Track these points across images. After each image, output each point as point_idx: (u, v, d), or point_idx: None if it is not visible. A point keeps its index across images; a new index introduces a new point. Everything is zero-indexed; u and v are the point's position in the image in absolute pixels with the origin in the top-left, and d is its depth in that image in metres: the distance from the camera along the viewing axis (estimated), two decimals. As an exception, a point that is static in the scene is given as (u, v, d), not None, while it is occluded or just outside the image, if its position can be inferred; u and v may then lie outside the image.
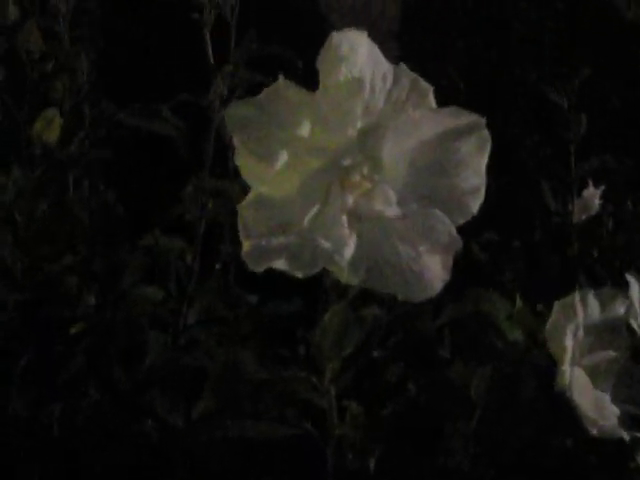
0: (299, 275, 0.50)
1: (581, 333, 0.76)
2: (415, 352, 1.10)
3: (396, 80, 0.55)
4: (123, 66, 1.97)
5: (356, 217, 0.53)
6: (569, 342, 0.74)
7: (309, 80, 0.54)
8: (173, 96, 1.01)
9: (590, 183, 1.60)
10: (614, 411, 0.76)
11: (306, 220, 0.51)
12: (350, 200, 0.53)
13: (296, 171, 0.52)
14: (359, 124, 0.54)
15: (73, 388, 0.93)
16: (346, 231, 0.52)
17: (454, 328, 1.02)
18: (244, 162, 0.51)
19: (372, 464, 0.75)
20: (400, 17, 2.93)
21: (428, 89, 0.55)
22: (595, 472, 0.82)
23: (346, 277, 0.51)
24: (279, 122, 0.52)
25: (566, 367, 0.74)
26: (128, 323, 0.95)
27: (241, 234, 0.51)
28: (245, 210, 0.52)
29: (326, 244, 0.51)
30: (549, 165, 1.63)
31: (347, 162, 0.53)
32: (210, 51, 0.97)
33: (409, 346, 1.11)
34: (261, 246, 0.51)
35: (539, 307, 1.22)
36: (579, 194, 1.58)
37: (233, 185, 0.85)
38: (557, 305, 0.79)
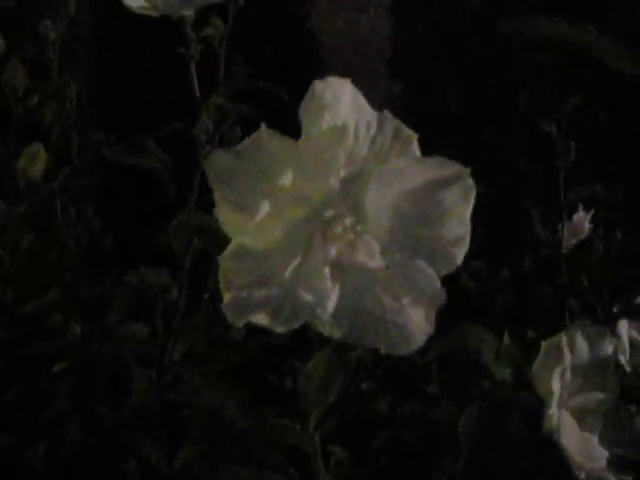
0: (280, 330, 0.49)
1: (568, 375, 0.76)
2: (402, 386, 1.09)
3: (380, 127, 0.54)
4: (113, 94, 1.97)
5: (339, 269, 0.52)
6: (556, 385, 0.73)
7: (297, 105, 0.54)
8: (162, 125, 1.00)
9: (580, 207, 1.60)
10: (602, 454, 0.75)
11: (287, 272, 0.51)
12: (333, 251, 0.52)
13: (278, 222, 0.52)
14: (342, 173, 0.53)
15: (57, 426, 0.91)
16: (328, 283, 0.51)
17: (441, 364, 1.02)
18: (224, 214, 0.51)
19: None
20: (391, 38, 2.93)
21: (412, 137, 0.55)
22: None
23: (328, 330, 0.51)
24: (260, 172, 0.52)
25: (553, 410, 0.73)
26: (114, 359, 0.93)
27: (222, 286, 0.51)
28: (226, 261, 0.51)
29: (308, 297, 0.50)
30: (538, 193, 1.63)
31: (329, 213, 0.52)
32: (196, 85, 0.96)
33: (396, 379, 1.10)
34: (241, 298, 0.50)
35: (530, 334, 1.21)
36: (569, 221, 1.58)
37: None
38: (544, 345, 0.78)
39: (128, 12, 0.90)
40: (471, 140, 2.23)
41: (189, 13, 0.87)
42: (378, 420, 1.02)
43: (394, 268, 0.52)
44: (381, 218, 0.53)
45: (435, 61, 2.73)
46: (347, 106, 0.53)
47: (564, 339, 0.77)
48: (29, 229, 1.08)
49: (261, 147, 0.52)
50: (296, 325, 0.50)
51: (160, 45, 1.17)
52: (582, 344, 0.79)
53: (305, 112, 0.52)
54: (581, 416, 0.76)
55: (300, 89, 0.54)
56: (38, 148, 0.90)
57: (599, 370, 0.79)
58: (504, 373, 0.86)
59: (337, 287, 0.52)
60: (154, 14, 0.84)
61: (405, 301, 0.51)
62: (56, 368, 0.90)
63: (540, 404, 0.78)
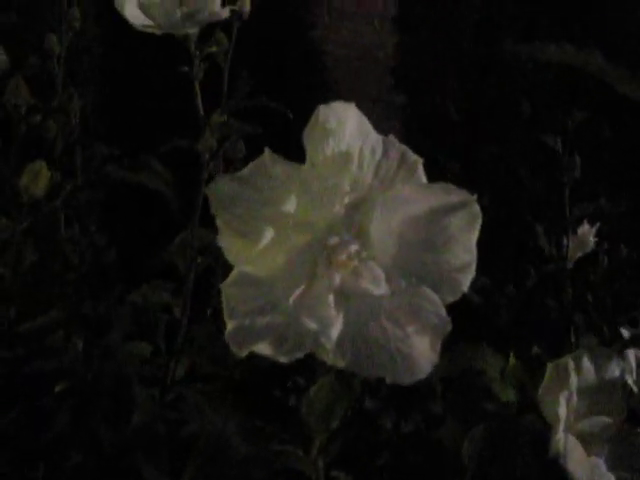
0: (283, 360, 0.48)
1: (575, 398, 0.75)
2: (406, 405, 1.09)
3: (385, 153, 0.54)
4: (118, 109, 1.97)
5: (343, 296, 0.51)
6: (563, 410, 0.73)
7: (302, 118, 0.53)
8: (167, 141, 1.00)
9: (585, 221, 1.59)
10: (610, 479, 0.74)
11: (291, 299, 0.50)
12: (337, 278, 0.51)
13: (281, 249, 0.51)
14: (347, 199, 0.52)
15: (57, 446, 0.90)
16: (332, 311, 0.50)
17: (446, 383, 1.01)
18: (227, 241, 0.50)
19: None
20: (396, 49, 2.93)
21: (417, 162, 0.54)
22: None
23: (332, 359, 0.50)
24: (264, 198, 0.51)
25: (560, 435, 0.72)
26: (115, 379, 0.93)
27: (225, 314, 0.50)
28: (229, 289, 0.50)
29: (312, 324, 0.49)
30: (543, 208, 1.62)
31: (334, 240, 0.51)
32: (200, 103, 0.96)
33: (400, 398, 1.09)
34: (245, 326, 0.50)
35: (535, 350, 1.20)
36: (574, 235, 1.57)
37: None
38: (550, 367, 0.77)
39: (134, 28, 0.90)
40: (474, 151, 2.23)
41: (193, 31, 0.86)
42: (382, 439, 1.01)
43: (399, 295, 0.51)
44: (386, 245, 0.53)
45: (438, 72, 2.73)
46: (352, 131, 0.53)
47: (571, 362, 0.76)
48: (32, 246, 1.07)
49: (264, 173, 0.51)
50: (300, 354, 0.49)
51: (166, 60, 1.17)
52: (589, 367, 0.78)
53: (309, 138, 0.52)
54: (588, 440, 0.75)
55: (304, 99, 0.54)
56: (41, 166, 0.89)
57: (606, 393, 0.78)
58: (509, 394, 0.85)
59: (341, 315, 0.51)
60: (157, 32, 0.84)
61: (410, 329, 0.51)
62: (57, 388, 0.90)
63: (546, 427, 0.77)
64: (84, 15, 1.25)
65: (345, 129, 0.52)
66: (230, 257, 0.51)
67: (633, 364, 0.92)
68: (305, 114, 0.53)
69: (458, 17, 2.67)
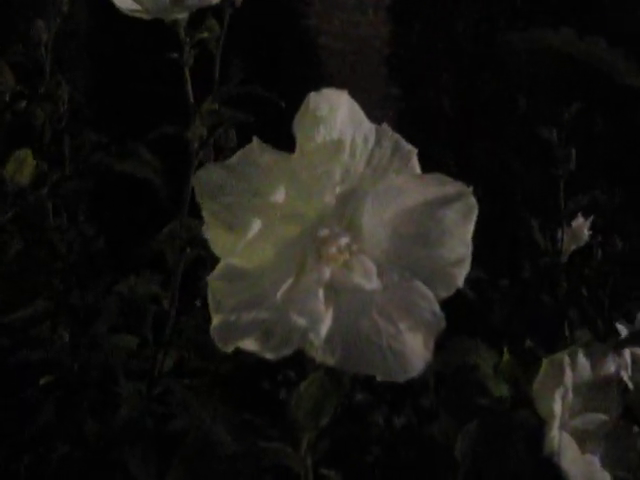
0: (270, 357, 0.47)
1: (570, 395, 0.73)
2: (397, 398, 1.07)
3: (378, 141, 0.52)
4: (108, 96, 1.94)
5: (333, 290, 0.49)
6: (558, 407, 0.71)
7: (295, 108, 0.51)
8: (157, 128, 0.98)
9: (579, 213, 1.58)
10: (605, 478, 0.72)
11: (279, 294, 0.48)
12: (327, 272, 0.49)
13: (269, 241, 0.49)
14: (337, 190, 0.50)
15: (43, 439, 0.89)
16: (322, 306, 0.49)
17: (438, 377, 1.00)
18: (213, 232, 0.48)
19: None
20: (389, 39, 2.91)
21: (411, 152, 0.52)
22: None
23: (321, 356, 0.48)
24: (252, 188, 0.49)
25: (554, 433, 0.71)
26: (102, 372, 0.91)
27: (210, 308, 0.48)
28: (214, 282, 0.48)
29: (300, 320, 0.48)
30: (537, 201, 1.60)
31: (324, 232, 0.49)
32: (190, 90, 0.94)
33: (392, 391, 1.08)
34: (231, 321, 0.48)
35: (528, 344, 1.19)
36: (568, 227, 1.56)
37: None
38: (545, 363, 0.76)
39: (122, 13, 0.88)
40: (468, 145, 2.21)
41: (182, 16, 0.84)
42: (373, 435, 1.00)
43: (391, 290, 0.49)
44: (378, 237, 0.51)
45: (433, 63, 2.71)
46: (343, 119, 0.51)
47: (566, 358, 0.74)
48: (18, 235, 1.05)
49: (252, 162, 0.49)
50: (287, 351, 0.47)
51: (156, 46, 1.15)
52: (584, 363, 0.76)
53: (299, 126, 0.50)
54: (583, 437, 0.74)
55: (297, 90, 0.52)
56: (26, 153, 0.87)
57: (601, 389, 0.77)
58: (503, 390, 0.83)
59: (331, 310, 0.49)
60: (145, 17, 0.82)
61: (402, 326, 0.49)
62: (43, 380, 0.88)
63: (540, 424, 0.75)
64: (72, 0, 1.23)
65: (337, 116, 0.50)
66: (216, 249, 0.49)
67: (629, 360, 0.91)
68: (298, 104, 0.51)
69: (454, 8, 2.65)
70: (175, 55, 0.90)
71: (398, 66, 2.80)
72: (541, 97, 2.10)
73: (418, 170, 0.52)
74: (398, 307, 0.49)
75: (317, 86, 0.51)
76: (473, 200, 0.51)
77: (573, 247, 1.57)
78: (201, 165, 0.94)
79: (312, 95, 0.50)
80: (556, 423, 0.71)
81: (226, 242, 0.49)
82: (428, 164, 0.54)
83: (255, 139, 0.49)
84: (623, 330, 1.03)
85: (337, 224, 0.50)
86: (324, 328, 0.48)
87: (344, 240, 0.50)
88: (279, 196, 0.50)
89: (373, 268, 0.50)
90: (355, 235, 0.50)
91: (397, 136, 0.52)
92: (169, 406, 0.90)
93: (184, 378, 0.91)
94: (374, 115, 0.54)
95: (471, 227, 0.51)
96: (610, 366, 0.78)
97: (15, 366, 0.93)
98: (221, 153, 1.05)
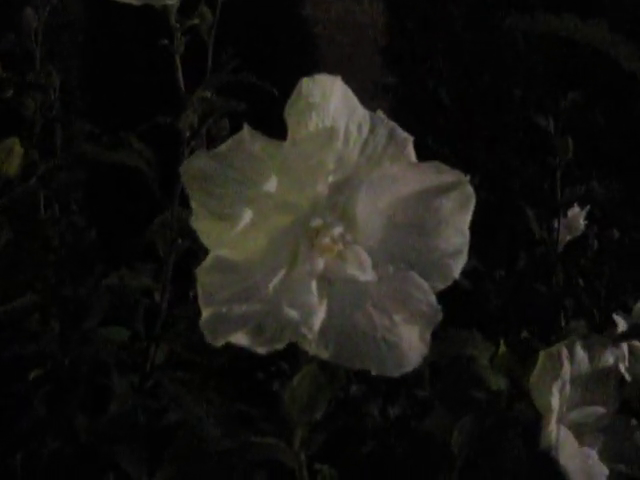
0: (261, 352, 0.45)
1: (568, 388, 0.72)
2: (392, 390, 1.06)
3: (373, 129, 0.50)
4: (101, 85, 1.92)
5: (326, 282, 0.48)
6: (555, 401, 0.70)
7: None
8: (150, 117, 0.96)
9: (575, 203, 1.57)
10: (602, 471, 0.71)
11: (271, 286, 0.47)
12: (320, 263, 0.48)
13: (261, 231, 0.48)
14: (331, 179, 0.49)
15: (33, 435, 0.87)
16: (315, 298, 0.47)
17: (434, 369, 0.98)
18: (202, 223, 0.47)
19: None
20: (385, 29, 2.89)
21: (407, 140, 0.51)
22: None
23: (314, 349, 0.47)
24: (243, 177, 0.48)
25: (552, 427, 0.70)
26: (93, 365, 0.90)
27: (200, 301, 0.47)
28: (204, 274, 0.47)
29: (293, 312, 0.46)
30: (534, 191, 1.59)
31: (317, 222, 0.48)
32: (181, 77, 0.92)
33: (387, 382, 1.07)
34: (221, 315, 0.46)
35: (524, 334, 1.18)
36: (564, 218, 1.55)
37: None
38: (542, 356, 0.74)
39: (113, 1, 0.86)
40: (465, 132, 2.20)
41: (172, 2, 0.82)
42: (367, 427, 0.99)
43: (386, 282, 0.48)
44: (373, 227, 0.49)
45: (430, 52, 2.69)
46: (337, 106, 0.49)
47: (564, 350, 0.73)
48: (8, 226, 1.04)
49: (243, 150, 0.47)
50: (279, 346, 0.46)
51: (149, 34, 1.13)
52: (582, 355, 0.75)
53: (291, 113, 0.48)
54: (580, 431, 0.73)
55: (292, 79, 0.50)
56: (13, 143, 0.85)
57: (599, 382, 0.76)
58: (500, 383, 0.82)
59: (324, 302, 0.48)
60: (135, 3, 0.80)
61: (398, 318, 0.47)
62: (33, 374, 0.86)
63: (537, 417, 0.74)
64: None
65: (330, 103, 0.49)
66: (206, 240, 0.47)
67: (626, 353, 0.90)
68: (292, 93, 0.50)
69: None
70: (166, 42, 0.88)
71: (394, 55, 2.78)
72: (538, 86, 2.09)
73: (414, 158, 0.50)
74: (393, 299, 0.48)
75: (311, 75, 0.50)
76: (470, 189, 0.49)
77: (569, 237, 1.56)
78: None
79: (304, 81, 0.48)
80: (554, 416, 0.70)
81: (216, 233, 0.47)
82: (424, 154, 0.52)
83: (246, 126, 0.48)
84: (620, 321, 1.02)
85: (330, 214, 0.49)
86: (317, 321, 0.47)
87: (338, 230, 0.48)
88: (271, 185, 0.48)
89: (367, 259, 0.48)
90: (349, 225, 0.49)
91: (392, 124, 0.51)
92: (161, 400, 0.89)
93: (177, 371, 0.90)
94: (370, 105, 0.52)
95: (468, 217, 0.50)
96: (608, 358, 0.77)
97: (5, 359, 0.92)
98: (213, 143, 1.04)
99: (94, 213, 1.33)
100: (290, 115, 0.48)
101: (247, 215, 0.47)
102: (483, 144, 2.16)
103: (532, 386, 0.74)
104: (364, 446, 0.95)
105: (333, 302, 0.48)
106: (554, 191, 1.47)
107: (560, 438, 0.70)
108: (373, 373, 0.47)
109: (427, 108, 2.55)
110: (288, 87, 0.50)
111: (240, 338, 0.46)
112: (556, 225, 1.50)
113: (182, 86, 0.92)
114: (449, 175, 0.48)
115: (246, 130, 0.48)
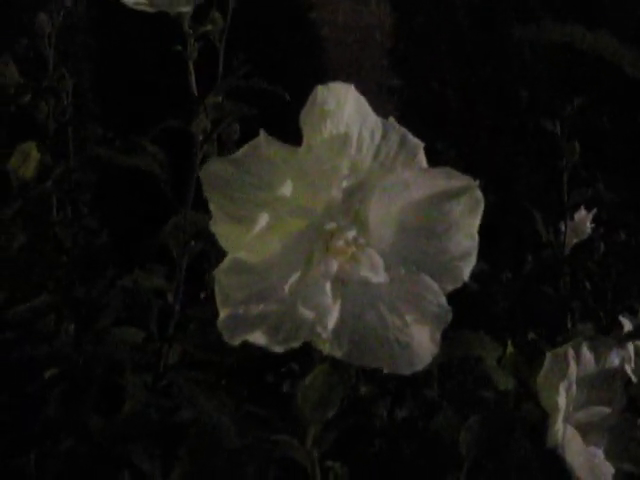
0: (278, 350, 0.47)
1: (574, 388, 0.73)
2: (401, 390, 1.07)
3: (385, 136, 0.52)
4: (113, 89, 1.94)
5: (340, 284, 0.50)
6: (562, 401, 0.71)
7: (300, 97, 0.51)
8: (162, 121, 0.98)
9: (582, 206, 1.58)
10: (609, 470, 0.73)
11: (287, 287, 0.48)
12: (334, 265, 0.49)
13: (276, 234, 0.49)
14: (344, 184, 0.51)
15: (48, 434, 0.89)
16: (329, 299, 0.49)
17: (442, 369, 1.00)
18: (221, 226, 0.48)
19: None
20: (392, 31, 2.91)
21: (418, 146, 0.52)
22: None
23: (328, 349, 0.48)
24: (259, 182, 0.49)
25: (558, 426, 0.71)
26: (107, 365, 0.91)
27: (218, 301, 0.48)
28: (222, 276, 0.49)
29: (308, 313, 0.48)
30: (541, 194, 1.60)
31: (331, 225, 0.50)
32: (194, 83, 0.94)
33: (396, 383, 1.08)
34: (238, 315, 0.48)
35: (531, 336, 1.19)
36: (571, 221, 1.56)
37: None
38: (549, 356, 0.76)
39: (126, 6, 0.88)
40: (471, 135, 2.21)
41: (187, 10, 0.84)
42: (376, 427, 1.00)
43: (398, 283, 0.50)
44: (385, 231, 0.51)
45: (436, 55, 2.71)
46: (350, 113, 0.51)
47: (570, 351, 0.74)
48: (22, 229, 1.05)
49: (259, 155, 0.49)
50: (295, 344, 0.47)
51: (161, 39, 1.15)
52: (588, 356, 0.76)
53: (306, 119, 0.50)
54: (586, 430, 0.74)
55: (300, 81, 0.52)
56: (30, 147, 0.87)
57: (605, 382, 0.77)
58: (507, 383, 0.83)
59: (338, 303, 0.49)
60: (150, 10, 0.82)
61: (409, 318, 0.49)
62: (47, 374, 0.88)
63: (544, 417, 0.75)
64: (76, -7, 1.23)
65: (344, 110, 0.50)
66: (224, 243, 0.49)
67: (631, 352, 0.91)
68: (300, 95, 0.51)
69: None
70: (179, 48, 0.89)
71: (400, 58, 2.79)
72: (545, 90, 2.10)
73: (425, 164, 0.52)
74: (405, 300, 0.49)
75: (320, 78, 0.51)
76: (479, 194, 0.51)
77: (575, 240, 1.57)
78: (205, 158, 0.95)
79: (319, 89, 0.50)
80: (560, 416, 0.71)
81: (234, 236, 0.49)
82: (431, 156, 0.54)
83: (262, 132, 0.49)
84: (626, 323, 1.03)
85: (344, 218, 0.50)
86: (331, 321, 0.48)
87: (351, 233, 0.50)
88: (286, 190, 0.50)
89: (380, 261, 0.50)
90: (362, 228, 0.51)
91: (404, 130, 0.52)
92: (175, 399, 0.90)
93: (189, 371, 0.91)
94: (376, 107, 0.54)
95: (477, 221, 0.51)
96: (614, 359, 0.79)
97: (20, 360, 0.93)
98: (224, 146, 1.05)
99: (106, 215, 1.35)
100: (305, 122, 0.50)
101: (264, 219, 0.49)
102: (489, 147, 2.17)
103: (539, 386, 0.75)
104: (372, 446, 0.96)
105: (347, 303, 0.49)
106: (561, 194, 1.48)
107: (566, 437, 0.71)
108: (385, 371, 0.48)
109: (432, 110, 2.57)
110: (295, 88, 0.51)
111: (257, 337, 0.47)
112: (563, 228, 1.51)
113: (195, 91, 0.93)
114: (459, 180, 0.50)
115: (262, 136, 0.49)
